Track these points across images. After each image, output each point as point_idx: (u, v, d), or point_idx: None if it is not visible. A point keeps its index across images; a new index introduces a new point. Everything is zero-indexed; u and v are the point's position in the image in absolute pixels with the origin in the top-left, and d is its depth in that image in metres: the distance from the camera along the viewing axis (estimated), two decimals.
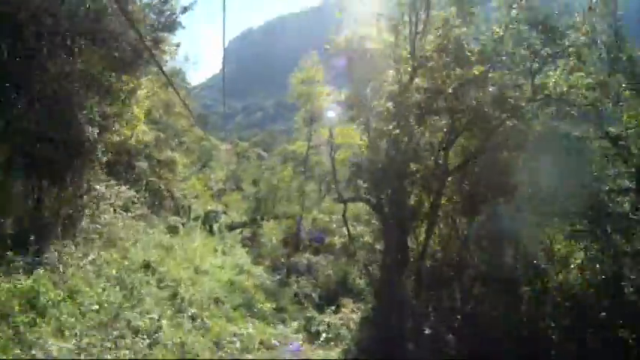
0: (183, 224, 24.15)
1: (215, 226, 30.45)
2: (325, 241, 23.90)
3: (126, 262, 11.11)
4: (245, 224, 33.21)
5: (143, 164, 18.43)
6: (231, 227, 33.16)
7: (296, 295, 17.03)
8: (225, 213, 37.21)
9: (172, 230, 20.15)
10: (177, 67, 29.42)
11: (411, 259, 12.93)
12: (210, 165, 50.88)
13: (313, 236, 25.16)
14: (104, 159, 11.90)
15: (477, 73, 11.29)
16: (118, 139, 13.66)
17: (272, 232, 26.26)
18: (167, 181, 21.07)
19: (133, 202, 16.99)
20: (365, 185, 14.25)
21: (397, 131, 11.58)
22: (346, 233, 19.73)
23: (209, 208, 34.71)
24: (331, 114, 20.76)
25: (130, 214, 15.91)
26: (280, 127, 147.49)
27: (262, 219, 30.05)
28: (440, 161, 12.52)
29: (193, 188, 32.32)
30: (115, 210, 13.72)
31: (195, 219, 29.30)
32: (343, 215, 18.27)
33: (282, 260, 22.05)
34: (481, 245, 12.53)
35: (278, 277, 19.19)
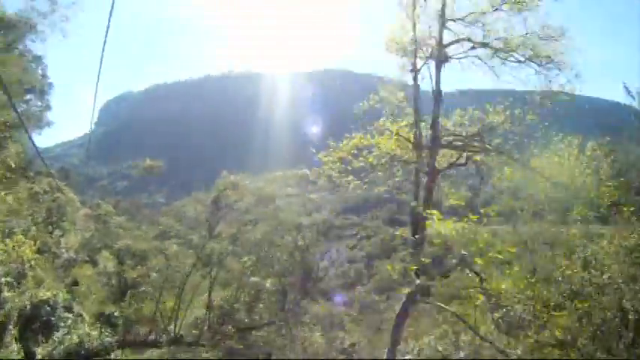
0: None
1: (39, 353, 14.00)
2: None
3: None
4: (107, 352, 16.85)
5: None
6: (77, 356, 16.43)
7: None
8: (68, 309, 20.16)
9: None
10: None
11: None
12: (63, 226, 35.17)
13: None
14: None
15: None
16: None
17: None
18: None
19: None
20: None
21: None
22: None
23: (41, 295, 18.20)
24: None
25: None
26: (145, 200, 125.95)
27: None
28: None
29: (16, 253, 15.98)
30: None
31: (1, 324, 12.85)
32: None
33: None
34: None
35: None
